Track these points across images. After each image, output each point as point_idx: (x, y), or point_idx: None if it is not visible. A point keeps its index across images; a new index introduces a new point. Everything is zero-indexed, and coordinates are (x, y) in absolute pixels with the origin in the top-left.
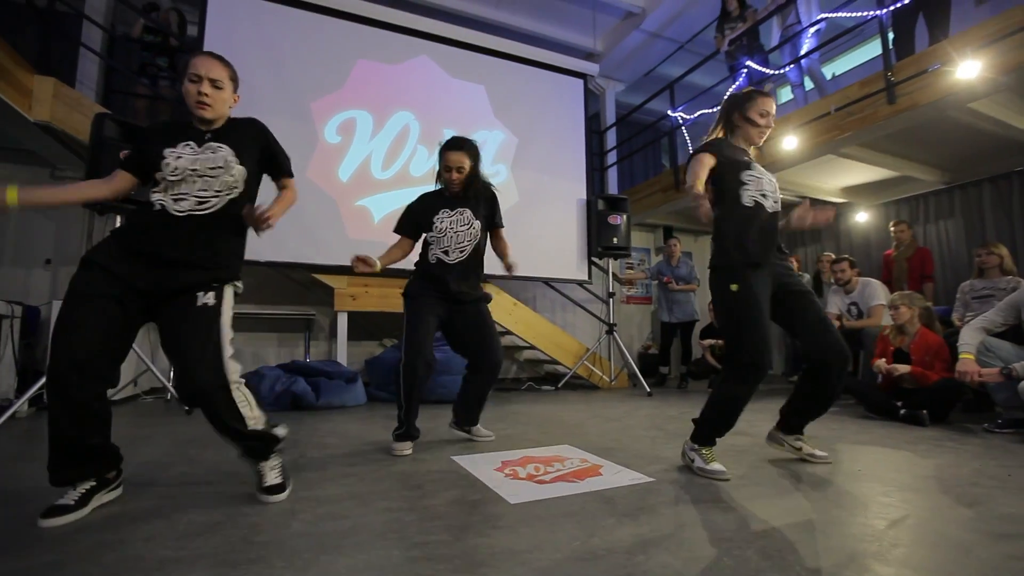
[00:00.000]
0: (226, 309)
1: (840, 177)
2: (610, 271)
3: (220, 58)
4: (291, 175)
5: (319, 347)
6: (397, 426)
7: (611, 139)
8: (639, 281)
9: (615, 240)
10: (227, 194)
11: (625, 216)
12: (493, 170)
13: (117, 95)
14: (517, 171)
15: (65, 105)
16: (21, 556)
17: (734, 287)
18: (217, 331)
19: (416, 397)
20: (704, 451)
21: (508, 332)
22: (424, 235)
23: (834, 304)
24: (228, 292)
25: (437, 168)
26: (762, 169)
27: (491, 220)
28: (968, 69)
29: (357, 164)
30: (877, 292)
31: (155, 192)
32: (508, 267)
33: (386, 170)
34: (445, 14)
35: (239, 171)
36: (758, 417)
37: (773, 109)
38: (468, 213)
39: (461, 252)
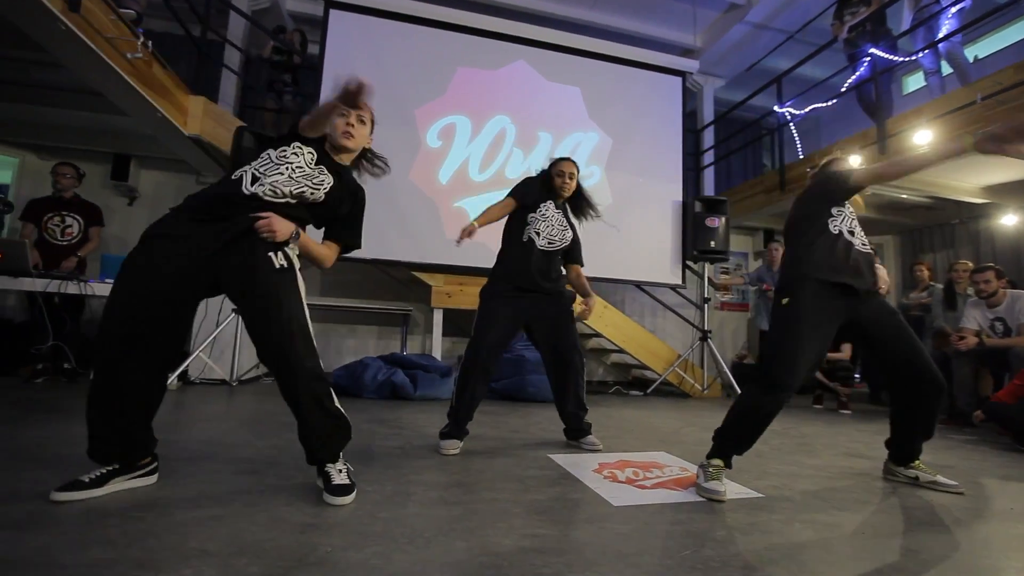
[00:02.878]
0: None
1: (983, 175)
2: (705, 275)
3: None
4: (345, 249)
5: (414, 341)
6: (444, 424)
7: (708, 138)
8: (734, 286)
9: (712, 243)
10: (291, 201)
11: (724, 219)
12: (587, 171)
13: (249, 109)
14: (611, 172)
15: (212, 120)
16: (192, 508)
17: (785, 300)
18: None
19: (467, 400)
20: (712, 466)
21: (597, 334)
22: (519, 217)
23: (972, 319)
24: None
25: (545, 175)
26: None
27: (572, 253)
28: None
29: (456, 167)
30: None
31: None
32: (583, 310)
33: (483, 172)
34: (541, 18)
35: (319, 198)
36: (877, 440)
37: None
38: (567, 220)
39: (550, 243)
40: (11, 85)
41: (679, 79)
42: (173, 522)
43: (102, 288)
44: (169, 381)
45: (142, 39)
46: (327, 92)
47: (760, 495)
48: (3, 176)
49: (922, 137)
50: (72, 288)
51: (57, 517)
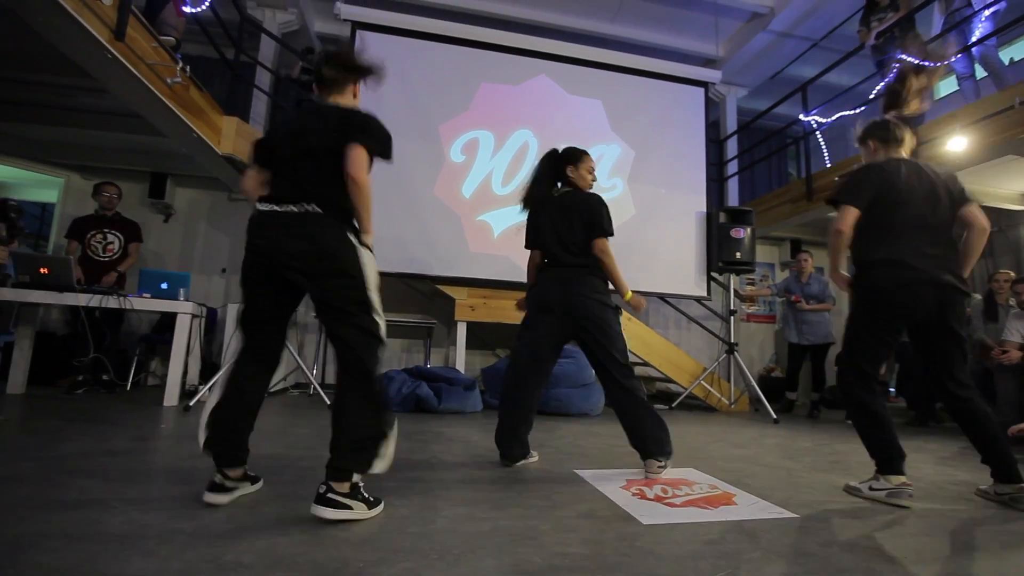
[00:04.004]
0: None
1: (1022, 181)
2: (731, 287)
3: None
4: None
5: (438, 354)
6: None
7: (732, 148)
8: (760, 298)
9: (738, 255)
10: None
11: (749, 229)
12: (609, 183)
13: None
14: (634, 184)
15: (244, 140)
16: (227, 520)
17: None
18: None
19: (506, 411)
20: (884, 477)
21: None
22: None
23: (1015, 331)
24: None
25: (574, 172)
26: None
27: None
28: None
29: (479, 181)
30: None
31: None
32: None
33: (506, 186)
34: (562, 33)
35: None
36: (912, 456)
37: None
38: None
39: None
40: (58, 110)
41: (701, 89)
42: (210, 534)
43: (140, 303)
44: (201, 393)
45: (180, 64)
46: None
47: (795, 516)
48: (50, 195)
49: (956, 143)
50: (112, 303)
51: (101, 528)
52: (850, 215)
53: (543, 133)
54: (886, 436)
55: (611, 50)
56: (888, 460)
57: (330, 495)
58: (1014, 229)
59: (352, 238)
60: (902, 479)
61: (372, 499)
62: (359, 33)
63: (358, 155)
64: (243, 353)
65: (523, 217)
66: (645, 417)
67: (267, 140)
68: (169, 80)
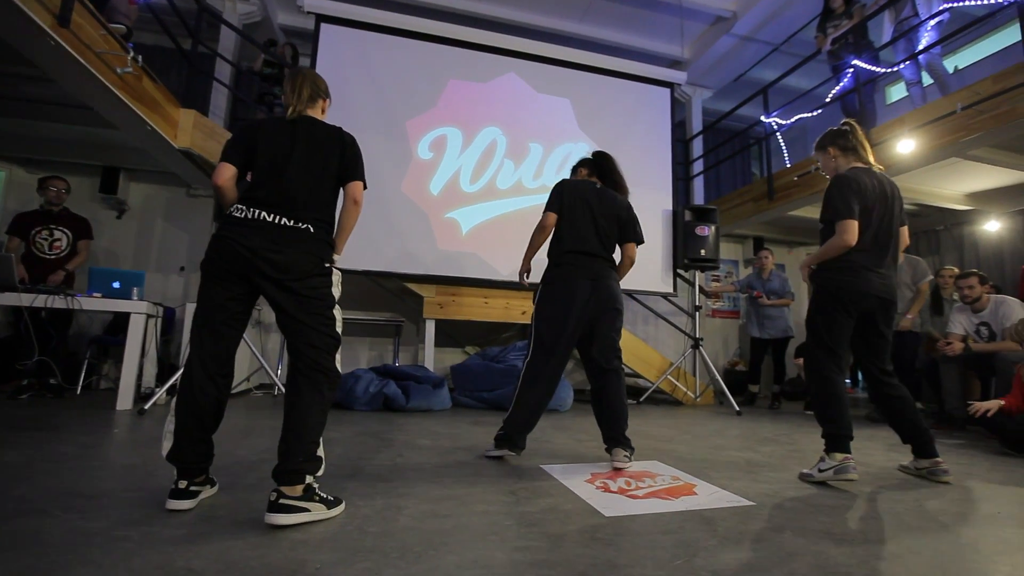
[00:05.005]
0: None
1: (966, 182)
2: (696, 283)
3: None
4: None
5: (407, 353)
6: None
7: (697, 148)
8: (725, 294)
9: (703, 252)
10: None
11: (714, 227)
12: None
13: (240, 122)
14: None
15: (202, 133)
16: (179, 526)
17: None
18: None
19: (540, 403)
20: (829, 456)
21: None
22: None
23: (958, 324)
24: None
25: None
26: None
27: None
28: None
29: (447, 178)
30: (1014, 311)
31: None
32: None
33: (474, 183)
34: (531, 31)
35: None
36: (868, 446)
37: None
38: None
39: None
40: (0, 99)
41: (668, 90)
42: (159, 540)
43: (90, 302)
44: (157, 396)
45: (132, 53)
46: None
47: (752, 503)
48: None
49: (905, 146)
50: (59, 303)
51: (42, 538)
52: (853, 227)
53: (511, 131)
54: (842, 414)
55: (579, 49)
56: (835, 438)
57: (283, 501)
58: (958, 228)
59: (330, 258)
60: (844, 455)
61: (331, 499)
62: (323, 26)
63: (361, 189)
64: (204, 357)
65: (493, 214)
66: (625, 401)
67: (249, 141)
68: (119, 70)
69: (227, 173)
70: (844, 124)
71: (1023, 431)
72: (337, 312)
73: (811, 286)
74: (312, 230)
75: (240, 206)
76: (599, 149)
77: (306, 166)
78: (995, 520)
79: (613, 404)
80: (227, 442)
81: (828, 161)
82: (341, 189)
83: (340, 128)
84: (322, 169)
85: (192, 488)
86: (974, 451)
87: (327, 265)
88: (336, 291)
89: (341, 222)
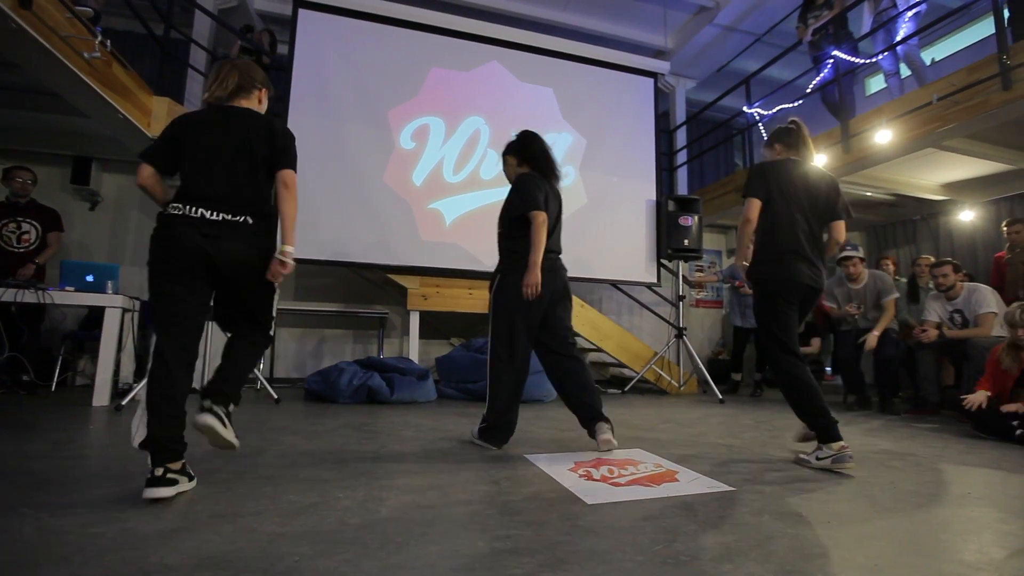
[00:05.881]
0: None
1: (941, 172)
2: (680, 274)
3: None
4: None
5: (392, 345)
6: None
7: (681, 138)
8: (709, 284)
9: (686, 242)
10: None
11: (697, 217)
12: (561, 172)
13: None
14: (586, 173)
15: None
16: (155, 521)
17: None
18: None
19: (517, 401)
20: (826, 446)
21: (574, 333)
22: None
23: (933, 312)
24: None
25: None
26: None
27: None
28: None
29: (430, 169)
30: (987, 299)
31: None
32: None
33: (457, 174)
34: (514, 20)
35: None
36: (846, 432)
37: None
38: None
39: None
40: None
41: (651, 80)
42: (134, 536)
43: (61, 296)
44: (135, 391)
45: (100, 38)
46: (297, 92)
47: (731, 488)
48: None
49: (883, 136)
50: (29, 297)
51: (8, 536)
52: (754, 206)
53: (495, 120)
54: (821, 404)
55: (563, 38)
56: (826, 429)
57: (216, 409)
58: (934, 218)
59: (272, 248)
60: (841, 443)
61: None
62: (301, 12)
63: (291, 176)
64: (177, 349)
65: (476, 204)
66: (591, 378)
67: (172, 139)
68: (87, 55)
69: (144, 172)
70: (791, 122)
71: (994, 414)
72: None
73: (750, 284)
74: (251, 222)
75: (176, 204)
76: (580, 137)
77: (235, 159)
78: (966, 500)
79: (579, 383)
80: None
81: (773, 156)
82: None
83: (270, 118)
84: (251, 161)
85: (169, 476)
86: (947, 435)
87: (275, 256)
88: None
89: (280, 211)
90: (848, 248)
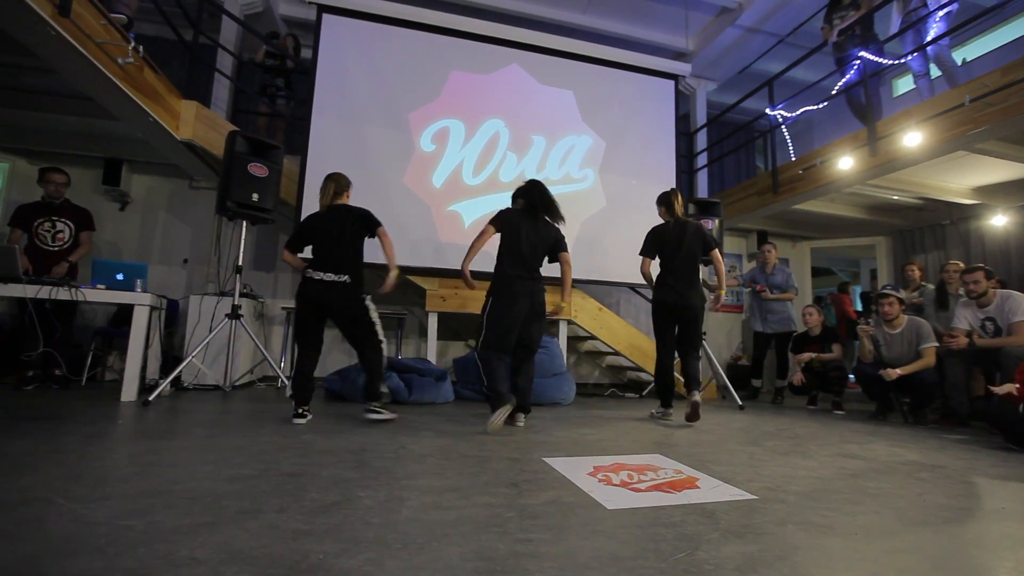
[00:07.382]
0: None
1: (972, 176)
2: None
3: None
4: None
5: (409, 345)
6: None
7: (701, 141)
8: (728, 288)
9: None
10: None
11: (717, 220)
12: (580, 175)
13: (242, 114)
14: (605, 175)
15: (204, 125)
16: (183, 515)
17: None
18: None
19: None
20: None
21: (592, 336)
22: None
23: (963, 319)
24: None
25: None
26: None
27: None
28: None
29: (450, 171)
30: (1020, 306)
31: None
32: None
33: (477, 176)
34: (534, 22)
35: None
36: (870, 440)
37: None
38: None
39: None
40: (1, 90)
41: (672, 82)
42: (163, 530)
43: (93, 294)
44: (162, 387)
45: (133, 44)
46: (320, 95)
47: (754, 497)
48: None
49: (912, 139)
50: (63, 294)
51: (47, 526)
52: (647, 263)
53: (514, 123)
54: (666, 384)
55: (583, 41)
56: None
57: (371, 406)
58: (964, 222)
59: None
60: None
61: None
62: (325, 17)
63: (384, 230)
64: (308, 350)
65: (495, 207)
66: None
67: (307, 231)
68: (120, 60)
69: (287, 254)
70: (670, 190)
71: None
72: (374, 315)
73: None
74: (349, 281)
75: (311, 269)
76: (600, 140)
77: (339, 240)
78: (999, 515)
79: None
80: (231, 434)
81: (660, 214)
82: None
83: (359, 208)
84: (351, 239)
85: (303, 411)
86: (977, 446)
87: (362, 298)
88: (374, 314)
89: (384, 250)
90: (888, 287)
